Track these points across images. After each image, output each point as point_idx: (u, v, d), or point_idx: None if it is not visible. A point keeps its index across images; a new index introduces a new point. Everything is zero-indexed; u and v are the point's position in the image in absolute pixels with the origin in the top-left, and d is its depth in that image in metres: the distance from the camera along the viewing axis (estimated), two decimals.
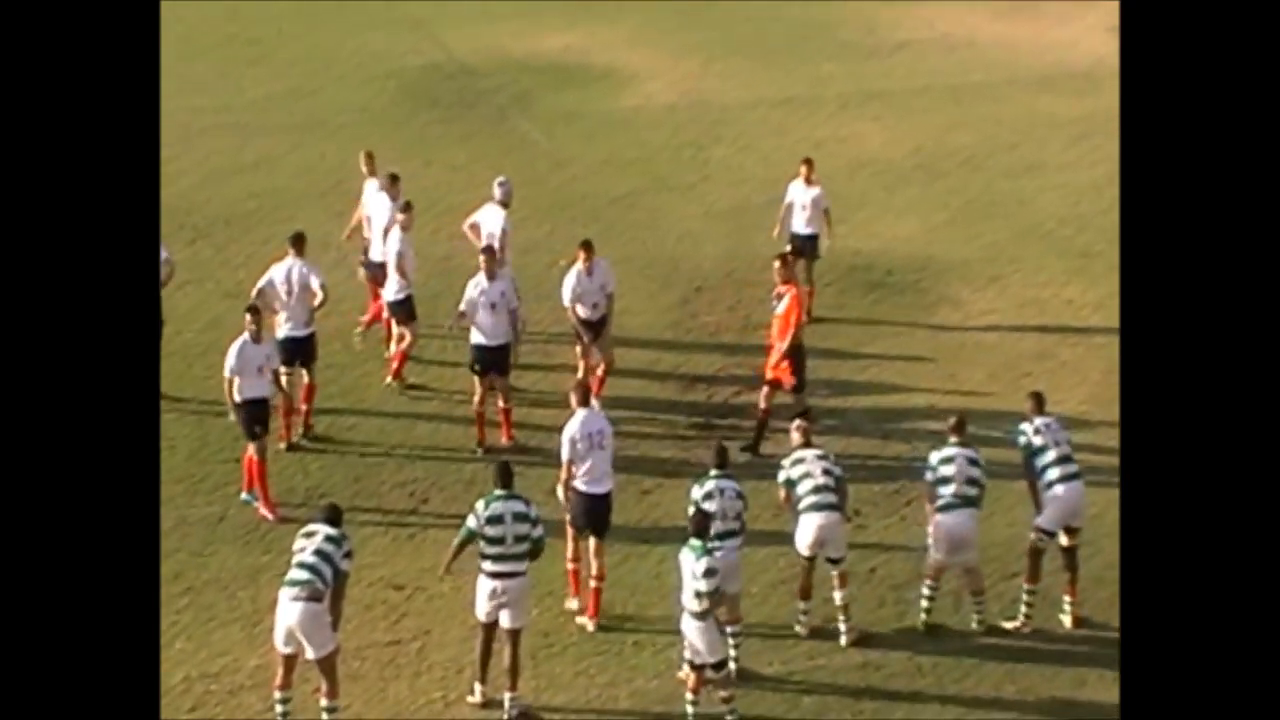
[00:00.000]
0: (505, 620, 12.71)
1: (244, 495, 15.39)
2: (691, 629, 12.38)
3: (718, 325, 18.98)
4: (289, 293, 16.19)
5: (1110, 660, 13.50)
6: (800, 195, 18.84)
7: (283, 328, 16.22)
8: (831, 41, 29.09)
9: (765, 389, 16.32)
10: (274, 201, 22.08)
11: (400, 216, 17.27)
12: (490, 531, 12.64)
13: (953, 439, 13.70)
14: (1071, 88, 26.78)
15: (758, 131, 24.88)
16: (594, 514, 13.80)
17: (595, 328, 16.68)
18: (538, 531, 12.78)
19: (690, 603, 12.34)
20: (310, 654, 12.22)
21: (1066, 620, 13.90)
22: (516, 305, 16.28)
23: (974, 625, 13.77)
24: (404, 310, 17.16)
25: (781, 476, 13.60)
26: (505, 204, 17.75)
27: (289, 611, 12.11)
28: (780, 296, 16.25)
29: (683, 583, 12.44)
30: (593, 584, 13.87)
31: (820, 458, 13.54)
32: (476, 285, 16.16)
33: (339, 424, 16.82)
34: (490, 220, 17.64)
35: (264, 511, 15.12)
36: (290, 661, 12.34)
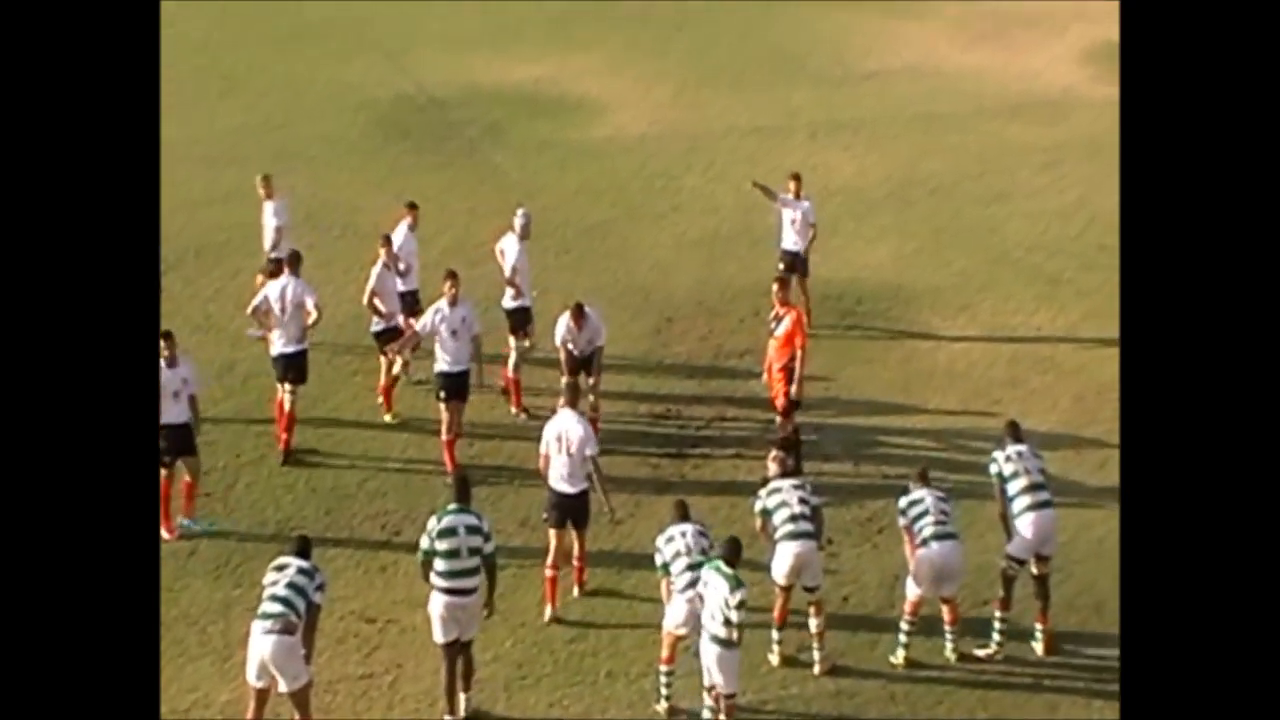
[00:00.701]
0: (459, 634, 12.80)
1: (184, 521, 15.36)
2: (714, 656, 12.34)
3: (689, 354, 19.01)
4: (283, 310, 16.37)
5: (1082, 686, 13.58)
6: (789, 211, 19.15)
7: (275, 344, 16.50)
8: (801, 71, 29.25)
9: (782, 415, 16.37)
10: (244, 233, 22.00)
11: (380, 251, 17.27)
12: (443, 545, 12.65)
13: (916, 486, 13.72)
14: (1039, 116, 26.98)
15: (729, 160, 24.98)
16: (563, 509, 14.20)
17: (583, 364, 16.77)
18: (489, 546, 12.79)
19: (718, 629, 12.29)
20: (283, 687, 12.17)
21: (1039, 647, 13.93)
22: (478, 331, 16.33)
23: (947, 653, 13.78)
24: (382, 341, 17.21)
25: (758, 506, 13.61)
26: (523, 236, 17.73)
27: (262, 645, 12.06)
28: (780, 318, 16.33)
29: (706, 607, 12.38)
30: (575, 562, 14.44)
31: (796, 487, 13.55)
32: (437, 311, 16.23)
33: (311, 456, 16.78)
34: (508, 251, 17.71)
35: (164, 531, 15.06)
36: (263, 695, 12.29)
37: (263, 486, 16.25)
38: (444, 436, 16.34)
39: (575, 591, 14.61)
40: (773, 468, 13.93)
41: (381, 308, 17.12)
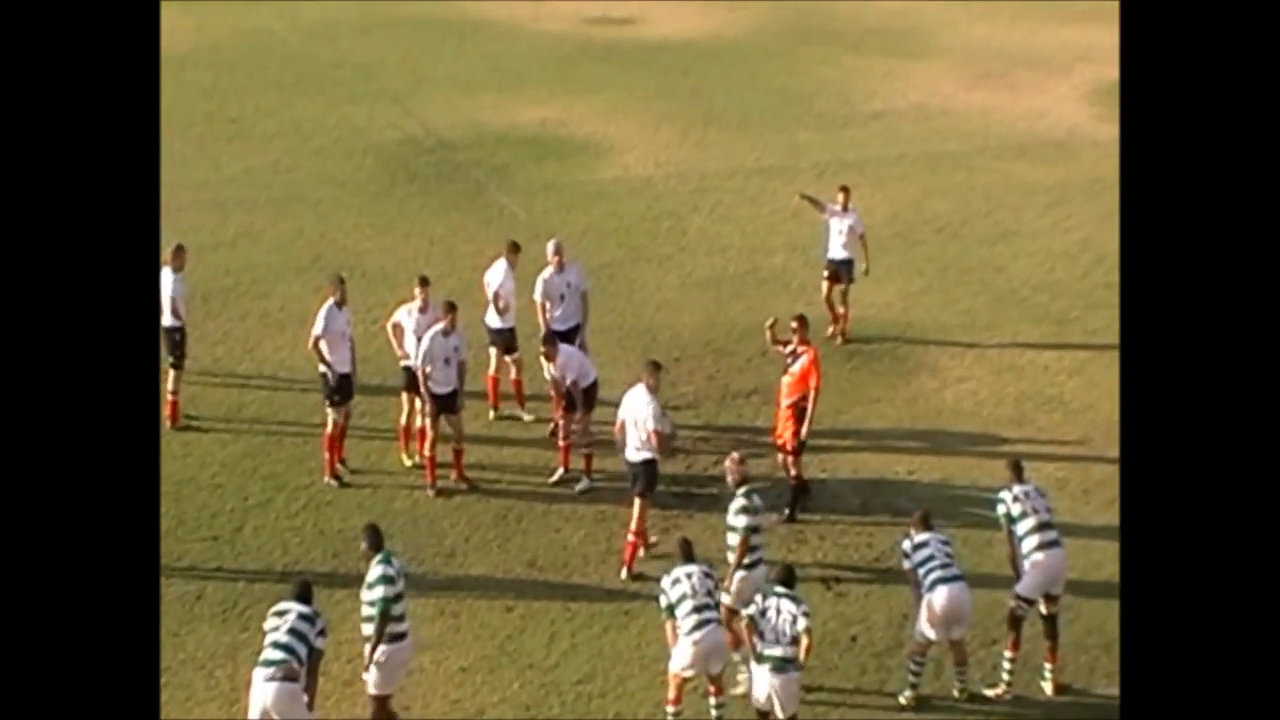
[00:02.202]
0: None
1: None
2: (778, 683, 12.35)
3: (696, 395, 19.02)
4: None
5: None
6: (837, 222, 19.89)
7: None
8: (807, 111, 29.39)
9: (780, 456, 16.45)
10: (251, 277, 22.13)
11: (417, 291, 17.31)
12: (396, 589, 12.59)
13: (919, 529, 13.66)
14: (1044, 156, 27.08)
15: (735, 201, 25.07)
16: (631, 476, 15.27)
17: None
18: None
19: (783, 650, 12.33)
20: None
21: (1048, 687, 13.86)
22: (465, 358, 16.82)
23: (956, 693, 13.72)
24: (405, 380, 17.24)
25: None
26: (560, 265, 17.96)
27: (264, 691, 12.02)
28: (796, 356, 16.35)
29: (766, 625, 12.38)
30: (630, 537, 15.19)
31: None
32: (433, 338, 16.57)
33: (316, 498, 16.78)
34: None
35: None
36: None
37: (270, 530, 16.24)
38: (426, 452, 16.74)
39: (624, 573, 15.16)
40: (731, 478, 13.95)
41: (406, 348, 17.08)
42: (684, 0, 37.58)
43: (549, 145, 27.52)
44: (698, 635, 12.66)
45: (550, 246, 18.15)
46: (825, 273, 20.02)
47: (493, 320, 18.12)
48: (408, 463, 17.29)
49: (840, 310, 20.06)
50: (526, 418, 18.21)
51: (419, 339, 16.75)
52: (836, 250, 19.95)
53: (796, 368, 16.31)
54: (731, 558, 13.66)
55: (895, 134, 28.07)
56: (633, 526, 15.29)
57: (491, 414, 18.25)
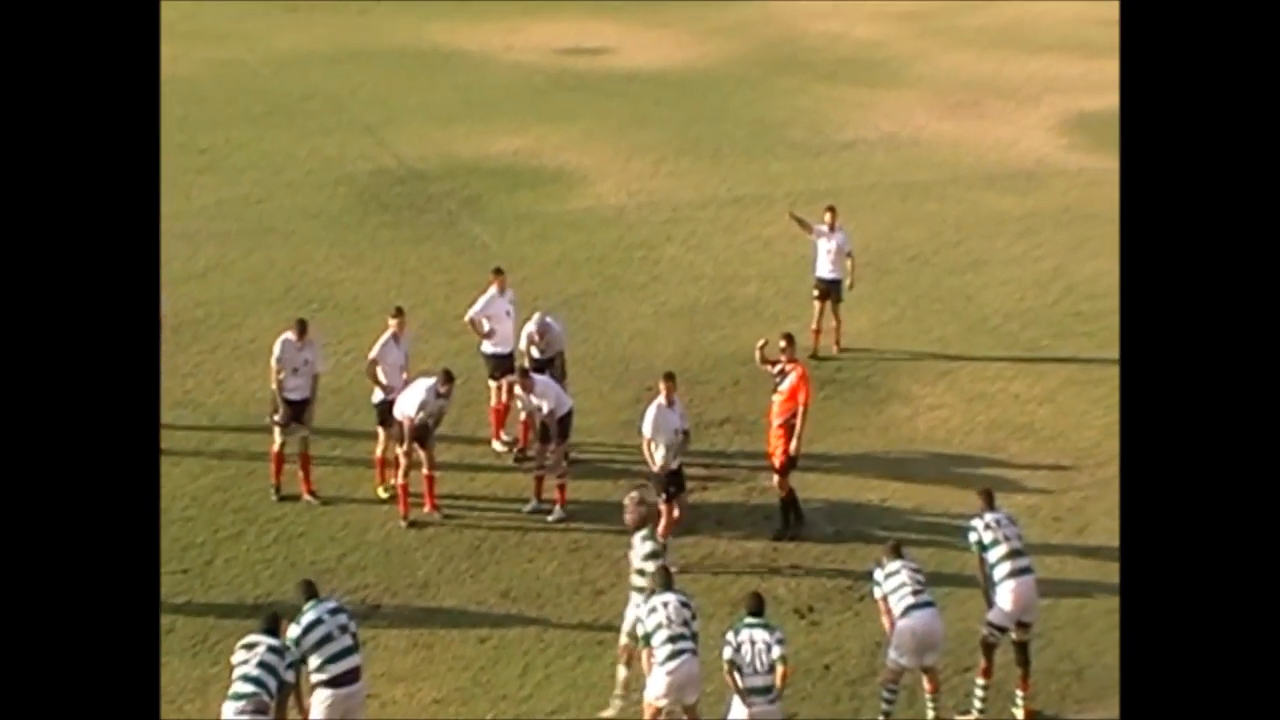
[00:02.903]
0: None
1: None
2: (762, 712, 12.28)
3: None
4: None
5: None
6: (824, 242, 20.38)
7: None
8: (780, 141, 29.53)
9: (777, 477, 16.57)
10: (223, 309, 22.08)
11: (391, 321, 17.42)
12: (315, 635, 12.32)
13: (890, 558, 13.68)
14: (1014, 185, 27.26)
15: (708, 230, 25.15)
16: (664, 480, 15.85)
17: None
18: (354, 624, 12.60)
19: (762, 680, 12.27)
20: None
21: (1019, 714, 13.88)
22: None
23: None
24: (381, 414, 17.24)
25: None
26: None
27: None
28: (785, 374, 16.46)
29: (741, 658, 12.31)
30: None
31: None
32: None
33: (289, 531, 16.72)
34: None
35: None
36: None
37: (241, 562, 16.16)
38: (398, 481, 16.73)
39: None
40: (630, 517, 13.86)
41: (383, 379, 17.10)
42: (657, 30, 37.78)
43: (522, 175, 27.58)
44: (672, 665, 12.62)
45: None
46: (815, 292, 20.51)
47: (485, 347, 18.29)
48: (383, 494, 17.24)
49: (824, 325, 20.54)
50: (499, 447, 18.22)
51: (395, 369, 16.93)
52: (825, 269, 20.44)
53: (785, 386, 16.43)
54: (640, 599, 13.33)
55: (867, 163, 28.22)
56: (668, 526, 15.74)
57: (496, 445, 18.20)
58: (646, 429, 16.08)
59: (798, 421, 16.27)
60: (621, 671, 13.76)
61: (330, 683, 12.29)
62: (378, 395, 17.22)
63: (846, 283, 20.47)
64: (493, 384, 18.27)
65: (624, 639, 13.74)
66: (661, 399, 16.09)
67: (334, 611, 12.57)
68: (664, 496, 15.82)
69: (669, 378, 16.28)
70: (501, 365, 18.14)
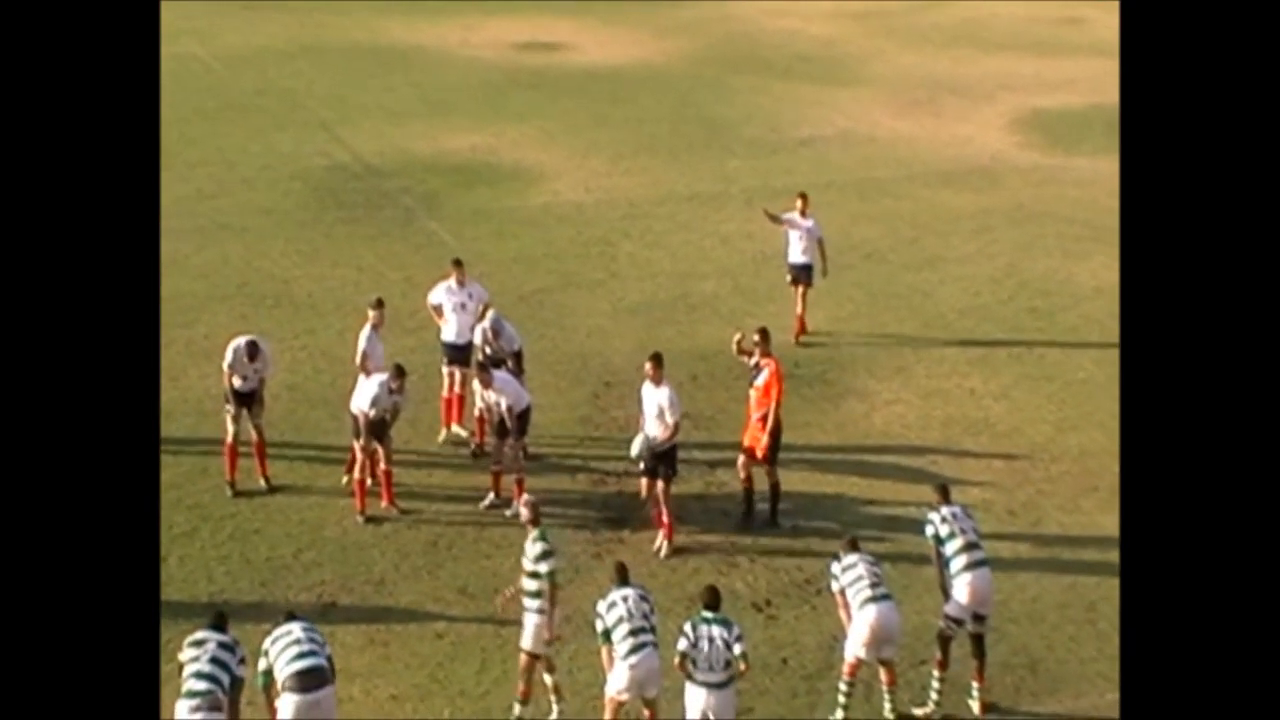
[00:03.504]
0: None
1: None
2: (714, 701, 12.36)
3: (628, 420, 18.97)
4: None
5: None
6: (796, 229, 20.74)
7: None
8: (737, 139, 29.59)
9: (741, 458, 16.64)
10: (176, 305, 21.92)
11: (371, 314, 17.43)
12: (278, 647, 12.23)
13: (847, 552, 13.75)
14: (970, 183, 27.42)
15: (665, 227, 25.17)
16: (653, 459, 16.04)
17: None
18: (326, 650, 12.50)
19: (718, 676, 12.34)
20: None
21: (975, 706, 13.96)
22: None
23: (886, 713, 13.78)
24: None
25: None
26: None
27: None
28: (759, 369, 16.51)
29: (697, 655, 12.35)
30: (663, 516, 16.07)
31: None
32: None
33: (244, 527, 16.62)
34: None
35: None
36: None
37: (196, 560, 16.06)
38: (356, 475, 16.70)
39: (664, 547, 16.00)
40: (524, 513, 13.85)
41: (370, 372, 17.03)
42: (614, 27, 37.79)
43: (479, 172, 27.52)
44: (634, 659, 12.62)
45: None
46: (788, 277, 20.92)
47: (442, 335, 18.37)
48: (384, 505, 16.99)
49: (800, 311, 20.85)
50: (463, 433, 18.19)
51: (380, 360, 17.06)
52: (796, 255, 20.84)
53: (760, 380, 16.52)
54: (536, 604, 13.32)
55: (824, 161, 28.32)
56: (666, 508, 16.04)
57: (459, 430, 18.24)
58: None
59: (770, 416, 16.36)
60: (548, 679, 13.66)
61: (298, 689, 12.11)
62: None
63: (818, 269, 20.72)
64: (445, 370, 18.28)
65: (525, 649, 13.44)
66: (648, 380, 16.31)
67: (309, 628, 12.52)
68: (647, 478, 16.16)
69: (653, 359, 16.35)
70: (455, 354, 18.16)
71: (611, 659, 12.80)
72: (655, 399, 16.14)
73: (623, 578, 13.11)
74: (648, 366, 16.32)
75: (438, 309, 18.39)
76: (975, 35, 37.72)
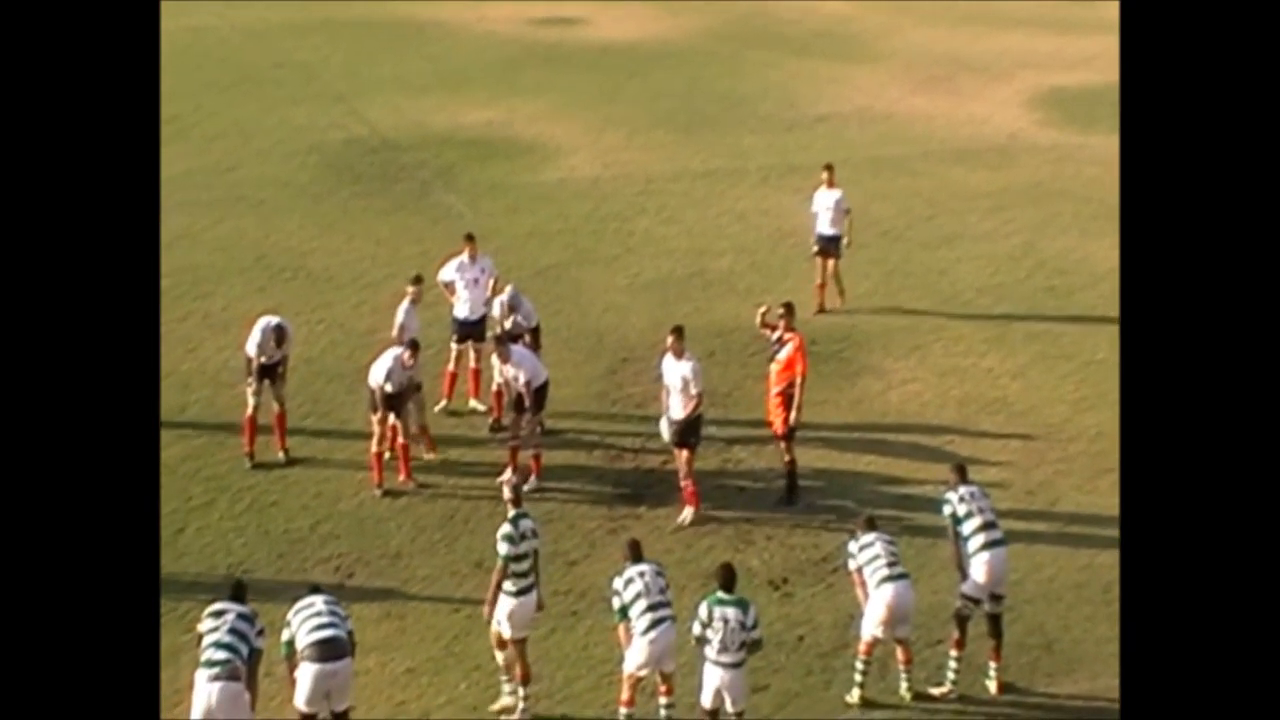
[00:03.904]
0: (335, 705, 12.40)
1: None
2: (728, 679, 12.40)
3: (644, 396, 19.00)
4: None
5: None
6: (824, 200, 20.90)
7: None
8: (752, 115, 29.49)
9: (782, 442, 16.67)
10: (193, 277, 21.95)
11: (410, 289, 17.47)
12: (308, 622, 12.31)
13: (864, 530, 13.75)
14: (987, 161, 27.30)
15: (681, 203, 25.11)
16: (677, 432, 16.19)
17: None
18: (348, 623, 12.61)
19: (733, 657, 12.35)
20: None
21: (991, 685, 13.97)
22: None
23: (902, 692, 13.80)
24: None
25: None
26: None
27: (208, 692, 11.89)
28: (783, 343, 16.51)
29: (711, 635, 12.35)
30: (684, 483, 16.25)
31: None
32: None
33: (262, 499, 16.66)
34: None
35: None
36: None
37: (213, 531, 16.10)
38: (373, 449, 16.69)
39: (688, 516, 16.10)
40: (507, 492, 13.76)
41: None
42: (629, 2, 37.65)
43: (494, 146, 27.47)
44: (654, 634, 12.65)
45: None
46: (814, 249, 20.97)
47: (454, 311, 18.36)
48: (428, 457, 17.24)
49: (826, 283, 20.91)
50: (480, 407, 18.18)
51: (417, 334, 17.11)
52: (825, 227, 20.81)
53: (783, 355, 16.53)
54: (514, 587, 13.22)
55: (840, 138, 28.21)
56: (687, 475, 16.24)
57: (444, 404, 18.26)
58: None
59: (795, 391, 16.33)
60: (499, 656, 13.56)
61: (315, 658, 12.19)
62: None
63: (844, 240, 20.81)
64: (454, 347, 18.25)
65: (509, 637, 13.36)
66: (670, 353, 16.34)
67: (330, 601, 12.58)
68: (676, 447, 16.35)
69: (675, 331, 16.35)
70: (465, 331, 18.14)
71: (629, 635, 12.82)
72: (678, 371, 16.13)
73: (636, 554, 13.12)
74: (669, 339, 16.30)
75: (449, 286, 18.36)
76: (993, 12, 37.51)
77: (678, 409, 16.14)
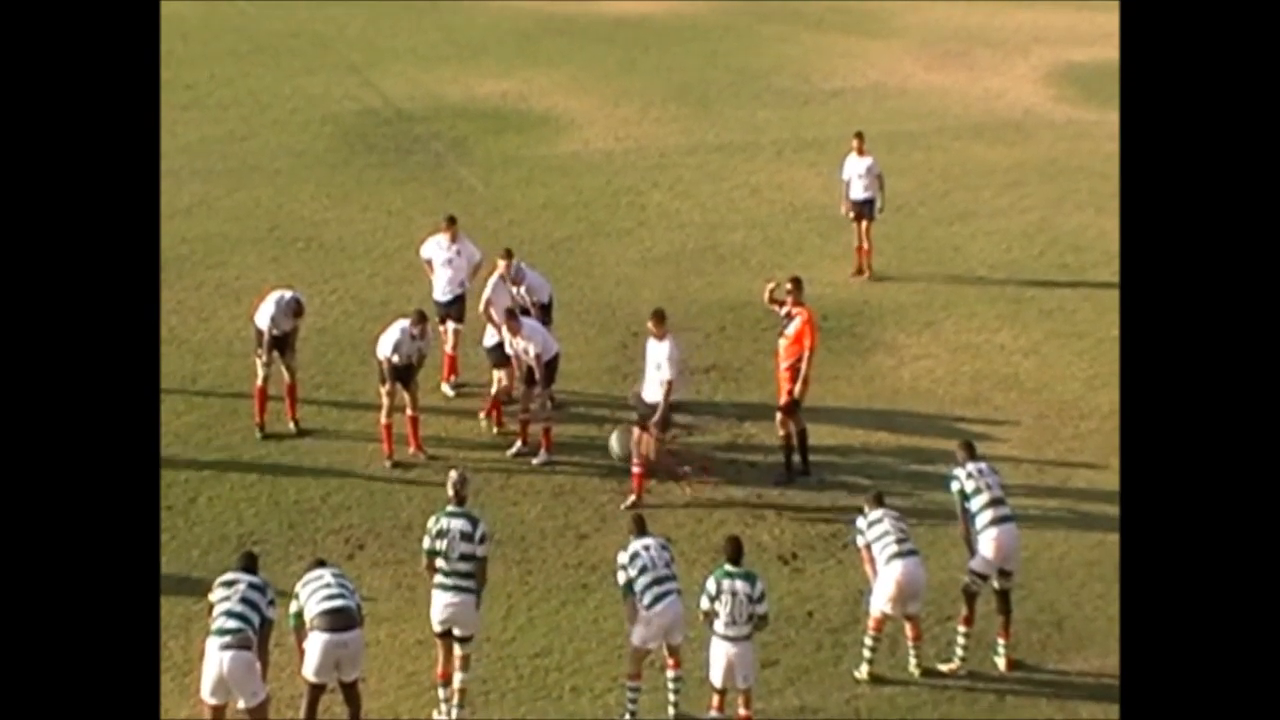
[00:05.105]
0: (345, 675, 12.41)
1: None
2: (736, 653, 12.43)
3: None
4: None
5: (1044, 702, 13.63)
6: (856, 166, 21.22)
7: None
8: (767, 89, 29.40)
9: (779, 416, 16.65)
10: (207, 246, 21.97)
11: (501, 264, 17.42)
12: (317, 594, 12.30)
13: (872, 507, 13.75)
14: (1002, 137, 27.20)
15: (694, 177, 25.06)
16: (641, 414, 16.21)
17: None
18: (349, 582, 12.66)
19: (741, 630, 12.39)
20: (241, 704, 12.05)
21: (1001, 662, 13.98)
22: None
23: (911, 668, 13.82)
24: (494, 356, 17.24)
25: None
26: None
27: (219, 661, 11.93)
28: (791, 318, 16.51)
29: (720, 608, 12.38)
30: (635, 470, 16.16)
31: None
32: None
33: (272, 469, 16.69)
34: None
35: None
36: (219, 713, 12.12)
37: (225, 500, 16.15)
38: (382, 421, 16.63)
39: (630, 500, 15.93)
40: (451, 493, 13.27)
41: (496, 319, 17.04)
42: None
43: (508, 118, 27.42)
44: (659, 608, 12.67)
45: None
46: (850, 214, 21.30)
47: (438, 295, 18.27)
48: (495, 431, 17.32)
49: (865, 247, 21.30)
50: (451, 393, 18.12)
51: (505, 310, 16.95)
52: (858, 191, 21.12)
53: (791, 330, 16.49)
54: (470, 583, 12.94)
55: (854, 113, 28.08)
56: (639, 458, 16.06)
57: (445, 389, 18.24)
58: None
59: (803, 365, 16.31)
60: (458, 650, 13.25)
61: (324, 627, 12.21)
62: (491, 337, 17.18)
63: (878, 204, 20.98)
64: (439, 328, 18.22)
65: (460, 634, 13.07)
66: (652, 336, 16.28)
67: (339, 574, 12.61)
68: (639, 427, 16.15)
69: (655, 315, 16.32)
70: (443, 311, 18.08)
71: (634, 611, 12.83)
72: (656, 354, 16.13)
73: (641, 528, 13.14)
74: (649, 323, 16.27)
75: (429, 263, 18.32)
76: None
77: (653, 391, 16.13)
